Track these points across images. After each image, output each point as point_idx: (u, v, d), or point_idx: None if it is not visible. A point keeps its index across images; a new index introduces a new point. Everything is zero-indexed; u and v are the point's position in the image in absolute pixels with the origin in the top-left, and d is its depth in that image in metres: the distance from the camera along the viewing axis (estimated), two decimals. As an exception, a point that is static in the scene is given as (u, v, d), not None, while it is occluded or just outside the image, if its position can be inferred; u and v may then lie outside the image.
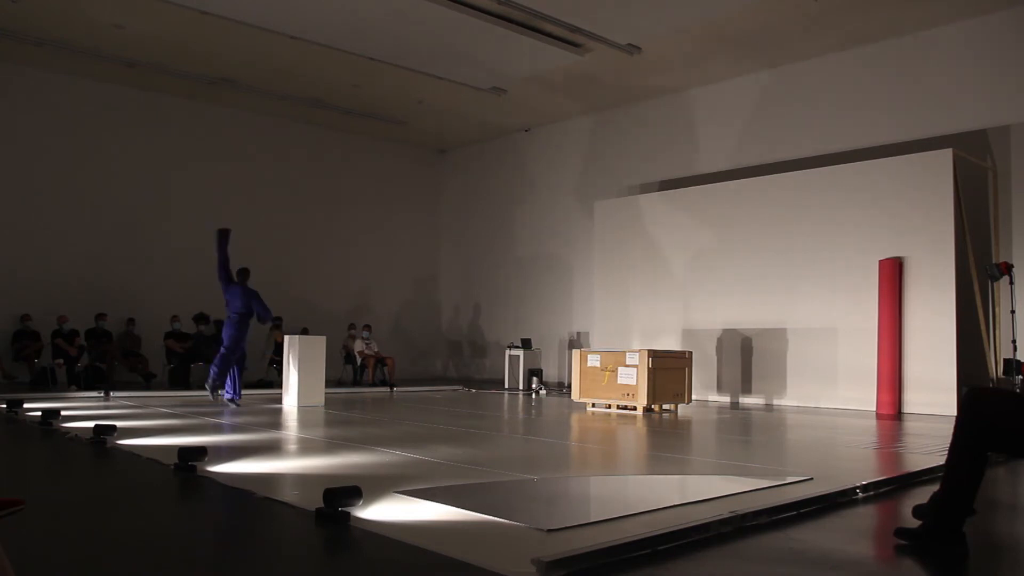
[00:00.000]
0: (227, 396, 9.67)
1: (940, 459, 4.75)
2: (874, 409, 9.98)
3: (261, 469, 4.86)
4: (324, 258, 16.70)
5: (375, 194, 17.70)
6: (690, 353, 9.95)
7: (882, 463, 5.70)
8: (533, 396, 12.46)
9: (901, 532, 3.23)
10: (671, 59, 12.64)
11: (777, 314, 11.41)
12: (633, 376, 9.32)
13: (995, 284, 9.74)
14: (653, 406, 9.37)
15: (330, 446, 6.15)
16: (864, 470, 5.16)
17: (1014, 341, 8.66)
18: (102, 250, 13.97)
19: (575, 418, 8.90)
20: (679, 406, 9.90)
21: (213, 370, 9.68)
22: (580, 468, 5.59)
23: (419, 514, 3.60)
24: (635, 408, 9.37)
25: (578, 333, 15.27)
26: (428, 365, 18.33)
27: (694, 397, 10.45)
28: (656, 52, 12.34)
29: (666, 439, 7.09)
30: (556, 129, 16.35)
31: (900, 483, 4.64)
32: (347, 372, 15.14)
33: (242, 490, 4.11)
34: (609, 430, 7.72)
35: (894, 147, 11.06)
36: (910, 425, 8.50)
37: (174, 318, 13.63)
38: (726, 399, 11.83)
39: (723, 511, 3.44)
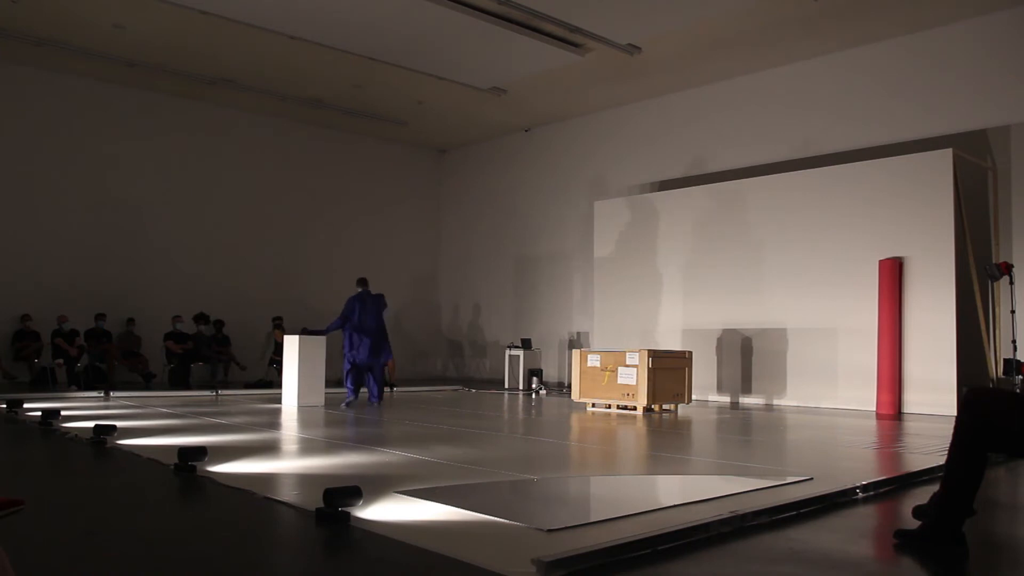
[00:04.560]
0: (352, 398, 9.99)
1: (940, 459, 4.75)
2: (874, 409, 9.98)
3: (261, 469, 4.86)
4: (324, 258, 16.70)
5: (375, 194, 17.70)
6: (690, 353, 9.95)
7: (882, 463, 5.70)
8: (533, 396, 12.46)
9: (901, 533, 3.23)
10: (671, 59, 12.64)
11: (777, 314, 11.41)
12: (633, 376, 9.32)
13: (995, 284, 9.74)
14: (653, 406, 9.37)
15: (330, 446, 6.15)
16: (864, 470, 5.16)
17: (1014, 341, 8.66)
18: (102, 250, 13.97)
19: (575, 418, 8.90)
20: (679, 406, 9.90)
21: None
22: (580, 468, 5.59)
23: (419, 514, 3.60)
24: (635, 408, 9.37)
25: (578, 333, 15.27)
26: (428, 365, 18.33)
27: (694, 397, 10.45)
28: (656, 52, 12.34)
29: (666, 439, 7.09)
30: (556, 129, 16.35)
31: (900, 483, 4.64)
32: (347, 372, 15.11)
33: (242, 490, 4.12)
34: (609, 430, 7.72)
35: (894, 147, 11.06)
36: (910, 425, 8.50)
37: (176, 318, 13.63)
38: (726, 399, 11.83)
39: (723, 511, 3.44)
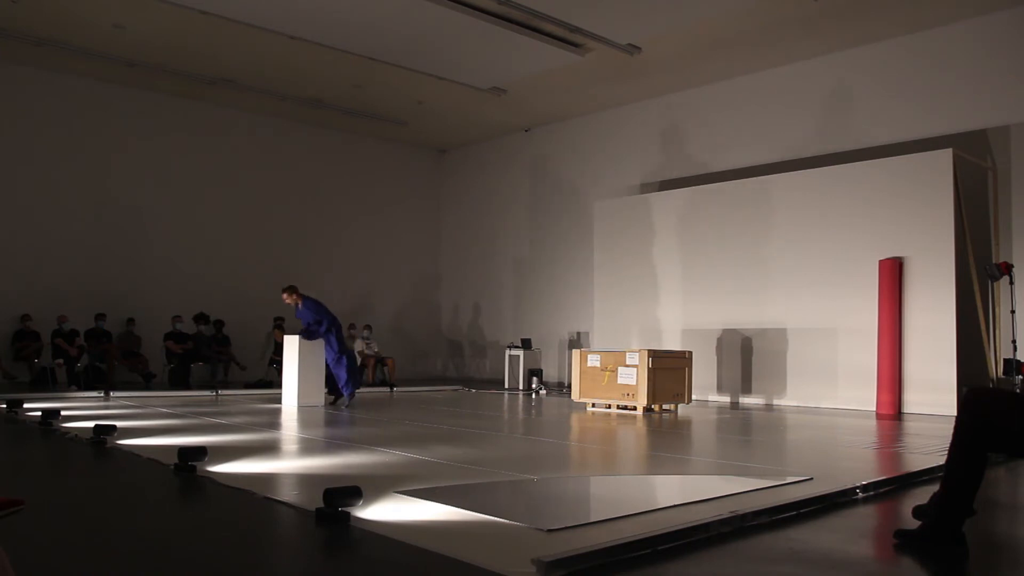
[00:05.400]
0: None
1: (940, 459, 4.75)
2: (874, 409, 9.98)
3: (261, 469, 4.86)
4: (324, 258, 16.70)
5: (375, 194, 17.70)
6: (690, 353, 9.95)
7: (882, 463, 5.70)
8: (533, 396, 12.46)
9: (901, 533, 3.23)
10: (671, 59, 12.64)
11: (777, 314, 11.40)
12: (633, 376, 9.32)
13: (995, 284, 9.73)
14: (653, 406, 9.37)
15: (330, 446, 6.15)
16: (864, 470, 5.16)
17: (1014, 341, 8.66)
18: (102, 250, 13.97)
19: (575, 418, 8.90)
20: (679, 406, 9.90)
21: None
22: (580, 468, 5.59)
23: (419, 514, 3.60)
24: (635, 408, 9.37)
25: (578, 333, 15.27)
26: (428, 365, 18.33)
27: (694, 397, 10.45)
28: (656, 52, 12.33)
29: (666, 439, 7.09)
30: (556, 129, 16.35)
31: (900, 483, 4.64)
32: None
33: (242, 490, 4.12)
34: (609, 430, 7.72)
35: (894, 147, 11.06)
36: (910, 425, 8.50)
37: (176, 318, 13.63)
38: (726, 399, 11.83)
39: (723, 511, 3.44)
